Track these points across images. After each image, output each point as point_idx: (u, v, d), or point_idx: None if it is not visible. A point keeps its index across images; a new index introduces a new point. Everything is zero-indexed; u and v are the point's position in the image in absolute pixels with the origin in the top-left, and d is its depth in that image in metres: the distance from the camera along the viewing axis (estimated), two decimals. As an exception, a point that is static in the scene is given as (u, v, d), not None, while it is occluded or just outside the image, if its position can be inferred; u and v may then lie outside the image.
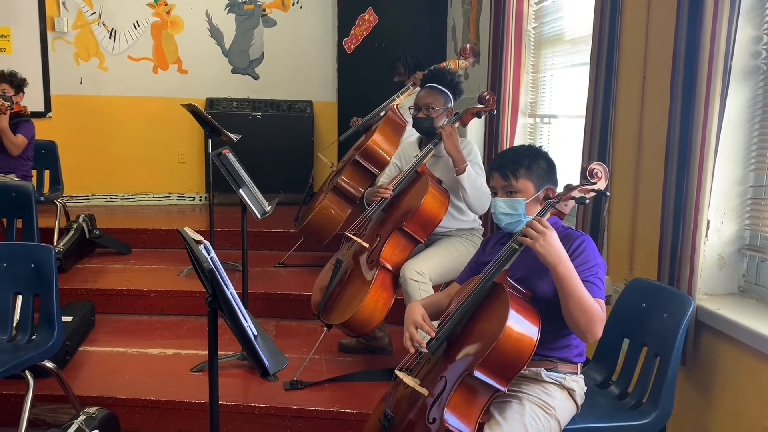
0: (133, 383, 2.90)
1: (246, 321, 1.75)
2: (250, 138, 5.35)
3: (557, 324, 1.83)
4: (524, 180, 1.94)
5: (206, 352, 3.22)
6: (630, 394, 2.10)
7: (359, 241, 2.89)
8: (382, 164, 3.97)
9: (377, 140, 3.97)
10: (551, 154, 2.04)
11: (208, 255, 1.75)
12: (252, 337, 1.60)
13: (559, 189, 1.97)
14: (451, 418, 1.72)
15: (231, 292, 1.77)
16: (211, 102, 5.69)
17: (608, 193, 1.85)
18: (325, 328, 2.91)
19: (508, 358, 1.72)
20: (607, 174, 1.84)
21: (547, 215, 1.84)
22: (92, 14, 5.58)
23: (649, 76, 2.43)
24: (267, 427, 2.72)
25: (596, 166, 1.84)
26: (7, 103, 4.00)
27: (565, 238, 1.85)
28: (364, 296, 2.71)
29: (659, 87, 2.33)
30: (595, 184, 1.84)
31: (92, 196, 5.71)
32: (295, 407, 2.70)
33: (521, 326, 1.73)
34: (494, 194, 2.00)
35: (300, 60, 5.89)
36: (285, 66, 5.88)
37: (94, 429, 2.35)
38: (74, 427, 2.33)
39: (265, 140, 5.61)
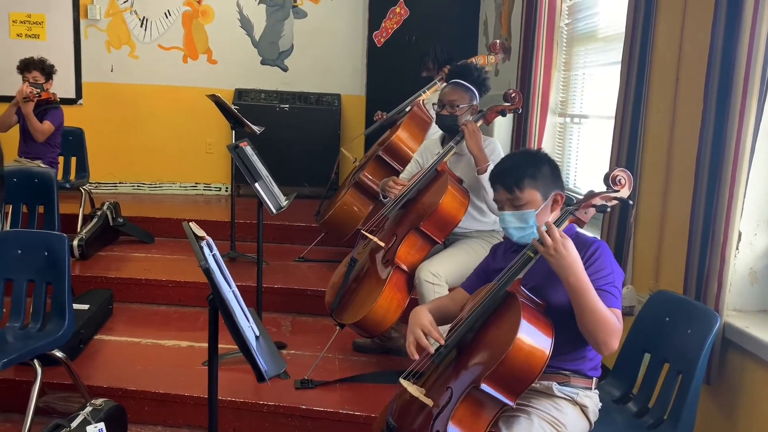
0: (145, 375, 2.89)
1: (248, 321, 1.70)
2: (277, 130, 5.34)
3: (572, 334, 1.74)
4: (530, 190, 1.84)
5: (221, 345, 3.21)
6: (649, 411, 2.00)
7: (375, 239, 2.83)
8: (405, 160, 3.89)
9: (401, 136, 3.89)
10: (579, 156, 1.94)
11: (210, 252, 1.71)
12: (248, 340, 1.54)
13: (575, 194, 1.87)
14: (455, 430, 1.64)
15: (234, 290, 1.73)
16: (239, 93, 5.68)
17: (631, 202, 1.75)
18: (337, 327, 2.85)
19: (518, 372, 1.63)
20: (632, 181, 1.74)
21: (566, 223, 1.75)
22: (124, 2, 5.60)
23: (683, 78, 2.31)
24: (276, 425, 2.68)
25: (620, 173, 1.74)
26: (36, 90, 4.03)
27: (579, 244, 1.75)
28: (378, 297, 2.65)
29: (692, 90, 2.20)
30: (618, 192, 1.74)
31: (120, 183, 5.75)
32: (304, 407, 2.65)
33: (533, 338, 1.64)
34: (501, 208, 1.90)
35: (329, 52, 5.83)
36: (314, 58, 5.83)
37: (100, 421, 2.33)
38: (80, 418, 2.32)
39: (292, 132, 5.58)
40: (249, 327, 1.64)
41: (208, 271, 1.52)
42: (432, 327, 1.83)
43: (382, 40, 5.69)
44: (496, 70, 4.54)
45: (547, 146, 3.81)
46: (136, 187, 5.78)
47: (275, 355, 1.69)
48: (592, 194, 1.77)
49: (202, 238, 1.72)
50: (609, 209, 1.75)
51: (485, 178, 2.64)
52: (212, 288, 1.58)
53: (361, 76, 5.88)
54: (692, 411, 1.85)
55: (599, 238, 2.42)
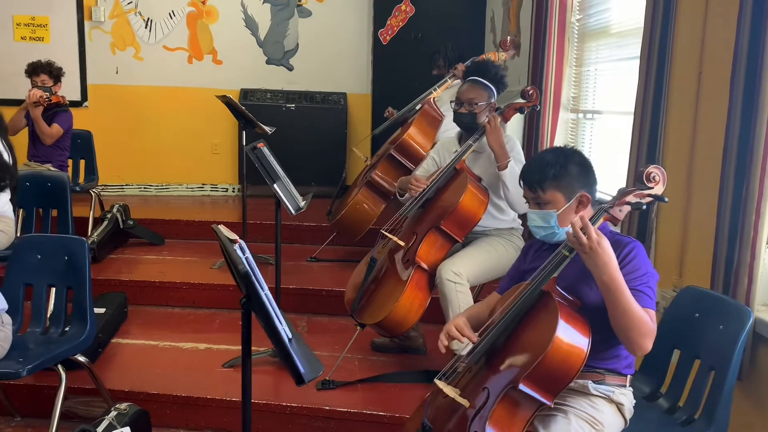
0: (165, 378, 2.88)
1: (281, 324, 1.69)
2: (284, 130, 5.30)
3: (606, 333, 1.73)
4: (552, 191, 1.84)
5: (238, 347, 3.20)
6: (681, 408, 1.99)
7: (394, 239, 2.82)
8: (417, 159, 3.88)
9: (413, 134, 3.88)
10: (592, 152, 1.93)
11: (243, 255, 1.69)
12: (287, 343, 1.53)
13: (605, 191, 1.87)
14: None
15: (266, 293, 1.71)
16: (245, 93, 5.66)
17: (666, 199, 1.74)
18: (358, 327, 2.84)
19: (556, 372, 1.63)
20: (665, 178, 1.73)
21: (600, 221, 1.74)
22: (129, 4, 5.58)
23: (706, 72, 2.30)
24: (298, 426, 2.67)
25: (654, 170, 1.72)
26: (46, 94, 4.02)
27: (614, 244, 1.74)
28: (399, 296, 2.64)
29: (717, 84, 2.20)
30: (653, 188, 1.73)
31: (126, 185, 5.73)
32: (327, 408, 2.64)
33: (571, 337, 1.64)
34: (528, 204, 1.91)
35: (334, 51, 5.81)
36: (319, 57, 5.81)
37: (125, 425, 2.32)
38: (105, 423, 2.31)
39: (299, 132, 5.56)
40: (284, 331, 1.63)
41: (247, 276, 1.50)
42: (465, 326, 1.83)
43: (387, 38, 5.67)
44: (505, 66, 4.52)
45: (560, 143, 3.80)
46: (142, 189, 5.76)
47: (312, 357, 1.68)
48: (625, 191, 1.76)
49: (235, 241, 1.70)
50: (644, 207, 1.74)
51: (506, 174, 2.64)
52: (250, 292, 1.57)
53: (366, 75, 5.86)
54: (727, 407, 1.85)
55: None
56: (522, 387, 1.63)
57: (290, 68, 5.85)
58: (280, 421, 2.67)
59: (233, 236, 1.73)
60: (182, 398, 2.72)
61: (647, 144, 2.60)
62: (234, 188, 5.88)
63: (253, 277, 1.51)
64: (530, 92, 2.79)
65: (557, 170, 1.82)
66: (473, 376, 1.79)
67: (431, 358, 3.12)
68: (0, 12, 5.39)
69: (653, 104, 2.57)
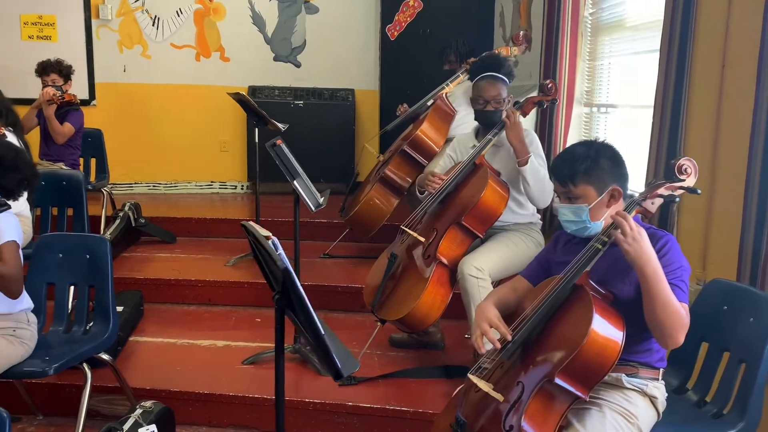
0: (185, 375, 2.88)
1: (316, 320, 1.69)
2: (292, 127, 5.24)
3: (639, 327, 1.73)
4: (583, 185, 1.83)
5: (256, 344, 3.23)
6: (710, 401, 1.99)
7: (414, 234, 2.81)
8: (430, 154, 3.88)
9: (425, 130, 3.87)
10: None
11: (277, 252, 1.69)
12: (326, 339, 1.53)
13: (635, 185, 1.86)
14: (529, 427, 1.64)
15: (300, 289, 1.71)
16: (253, 90, 5.64)
17: (699, 191, 1.74)
18: (378, 323, 2.85)
19: (592, 365, 1.63)
20: (697, 170, 1.73)
21: (632, 214, 1.74)
22: (136, 2, 5.56)
23: (730, 64, 2.29)
24: (321, 422, 2.67)
25: (685, 162, 1.72)
26: (58, 93, 4.01)
27: (649, 237, 1.74)
28: (421, 292, 2.64)
29: (743, 76, 2.19)
30: (684, 180, 1.73)
31: (135, 184, 5.72)
32: (350, 404, 2.64)
33: (606, 331, 1.64)
34: (558, 198, 1.90)
35: (342, 47, 5.80)
36: (327, 54, 5.80)
37: (151, 423, 2.32)
38: (131, 420, 2.32)
39: (307, 129, 5.54)
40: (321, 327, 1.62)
41: (286, 271, 1.50)
42: (499, 321, 1.82)
43: (395, 33, 5.66)
44: (516, 61, 4.52)
45: (573, 137, 3.81)
46: (152, 187, 5.75)
47: (346, 353, 1.67)
48: (657, 184, 1.76)
49: (268, 238, 1.70)
50: (678, 199, 1.73)
51: (526, 170, 2.64)
52: (287, 287, 1.56)
53: (374, 71, 5.85)
54: (759, 401, 1.85)
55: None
56: (557, 381, 1.63)
57: (298, 65, 5.84)
58: (303, 418, 2.67)
59: (266, 233, 1.73)
60: (204, 395, 2.72)
61: (668, 137, 2.60)
62: (243, 185, 5.87)
63: (293, 274, 1.51)
64: (549, 86, 2.79)
65: (588, 164, 1.81)
66: (506, 370, 1.79)
67: (450, 354, 3.12)
68: (7, 11, 5.38)
69: (674, 97, 2.56)
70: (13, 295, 2.20)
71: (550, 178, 1.91)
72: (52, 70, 4.24)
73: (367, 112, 5.85)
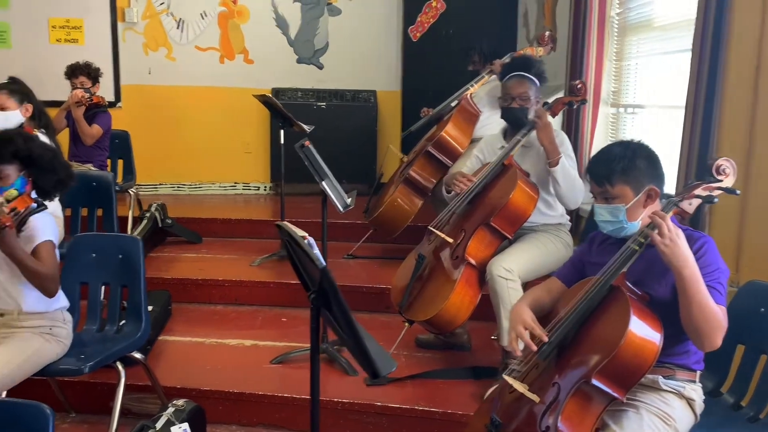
0: (214, 374, 2.90)
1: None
2: (314, 128, 5.31)
3: (675, 328, 1.72)
4: (620, 185, 1.82)
5: (283, 343, 3.24)
6: (746, 405, 1.97)
7: (442, 235, 2.81)
8: (454, 155, 3.89)
9: (450, 131, 3.88)
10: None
11: (313, 251, 1.70)
12: (364, 338, 1.54)
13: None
14: (565, 427, 1.63)
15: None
16: (276, 92, 5.67)
17: (738, 192, 1.72)
18: (406, 324, 2.85)
19: (629, 366, 1.62)
20: (736, 170, 1.71)
21: (669, 215, 1.72)
22: (161, 4, 5.62)
23: (765, 65, 2.27)
24: (349, 422, 2.68)
25: (724, 162, 1.71)
26: (87, 95, 4.07)
27: (686, 238, 1.73)
28: (449, 293, 2.64)
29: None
30: (722, 181, 1.72)
31: (160, 185, 5.78)
32: (379, 404, 2.65)
33: (643, 332, 1.63)
34: (594, 199, 1.90)
35: (364, 49, 5.82)
36: (349, 55, 5.82)
37: (183, 422, 2.34)
38: (163, 419, 2.34)
39: (329, 130, 5.54)
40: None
41: (325, 272, 1.51)
42: (534, 324, 1.82)
43: (417, 34, 5.67)
44: (543, 62, 4.50)
45: (600, 137, 3.79)
46: (176, 189, 5.81)
47: (382, 352, 1.68)
48: (694, 185, 1.75)
49: (304, 238, 1.71)
50: (716, 200, 1.72)
51: (557, 171, 2.63)
52: (324, 286, 1.58)
53: (396, 72, 5.86)
54: (798, 403, 1.83)
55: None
56: (594, 382, 1.63)
57: (320, 67, 5.86)
58: (331, 417, 2.68)
59: (303, 233, 1.75)
60: (234, 394, 2.74)
61: (699, 137, 2.57)
62: (265, 186, 5.91)
63: (331, 273, 1.52)
64: (579, 86, 2.78)
65: (625, 164, 1.80)
66: (541, 371, 1.79)
67: (476, 355, 3.12)
68: (36, 15, 5.46)
69: (706, 97, 2.54)
70: (50, 293, 2.23)
71: (586, 178, 1.90)
72: (80, 72, 4.31)
73: (389, 113, 5.86)
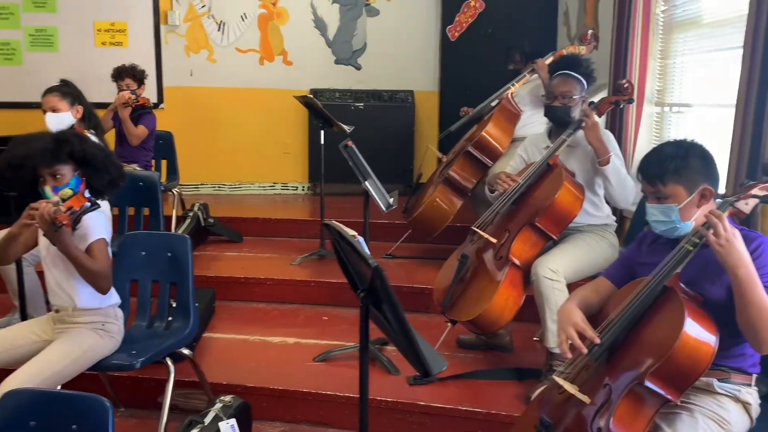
0: (259, 371, 2.94)
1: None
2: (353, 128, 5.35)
3: (731, 330, 1.69)
4: (673, 185, 1.80)
5: (325, 341, 3.27)
6: (803, 409, 1.92)
7: (485, 235, 2.80)
8: (495, 155, 3.87)
9: (490, 130, 3.86)
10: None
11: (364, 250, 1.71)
12: (415, 336, 1.55)
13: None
14: (617, 429, 1.62)
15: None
16: (314, 93, 5.71)
17: (798, 192, 1.68)
18: (449, 324, 2.85)
19: (683, 368, 1.60)
20: (795, 170, 1.67)
21: (725, 214, 1.69)
22: (202, 7, 5.72)
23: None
24: (392, 421, 2.69)
25: (781, 161, 1.67)
26: (133, 97, 4.16)
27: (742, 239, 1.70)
28: (493, 294, 2.63)
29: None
30: (781, 181, 1.68)
31: (201, 185, 5.88)
32: (422, 403, 2.65)
33: (698, 334, 1.61)
34: (645, 198, 1.87)
35: (402, 49, 5.83)
36: (387, 55, 5.84)
37: (231, 417, 2.38)
38: (211, 414, 2.38)
39: (367, 130, 5.54)
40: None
41: (378, 270, 1.52)
42: (585, 325, 1.80)
43: (456, 34, 5.65)
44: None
45: (644, 137, 3.73)
46: (216, 188, 5.90)
47: (431, 351, 1.68)
48: (750, 184, 1.72)
49: (354, 236, 1.73)
50: (775, 200, 1.69)
51: (608, 170, 2.60)
52: (375, 285, 1.59)
53: (434, 72, 5.86)
54: None
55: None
56: (648, 383, 1.61)
57: (358, 67, 5.89)
58: (374, 416, 2.64)
59: (352, 232, 1.76)
60: (279, 391, 2.78)
61: (751, 136, 2.52)
62: (303, 187, 5.96)
63: (383, 272, 1.53)
64: (626, 86, 2.75)
65: (678, 163, 1.78)
66: (592, 372, 1.77)
67: (518, 356, 3.10)
68: (82, 19, 5.60)
69: (758, 96, 2.49)
70: (103, 290, 2.29)
71: (638, 178, 1.88)
72: (126, 74, 4.40)
73: (426, 113, 5.86)
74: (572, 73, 2.79)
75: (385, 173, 5.41)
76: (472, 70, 5.48)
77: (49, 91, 3.45)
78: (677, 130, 3.56)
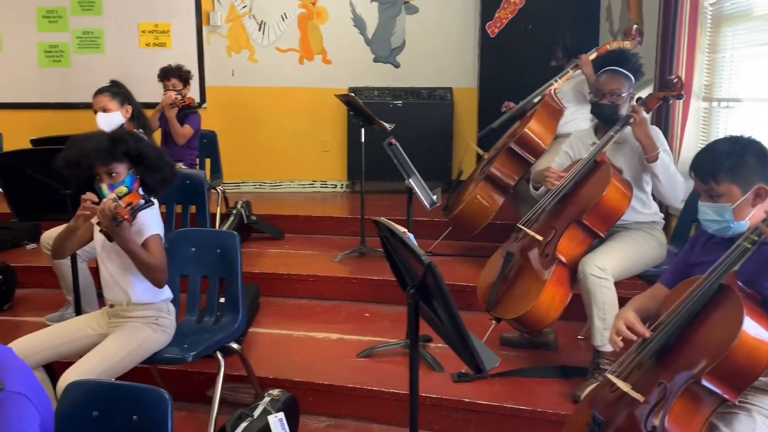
0: (304, 366, 2.98)
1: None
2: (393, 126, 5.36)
3: (789, 331, 1.65)
4: (727, 183, 1.76)
5: (368, 337, 3.30)
6: None
7: (531, 233, 2.79)
8: (537, 152, 3.84)
9: (533, 127, 3.83)
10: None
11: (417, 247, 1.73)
12: (467, 332, 1.56)
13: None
14: (673, 428, 1.60)
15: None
16: (353, 91, 5.73)
17: None
18: (494, 322, 2.85)
19: (742, 368, 1.57)
20: None
21: (786, 212, 1.66)
22: (243, 8, 5.80)
23: None
24: (437, 417, 2.70)
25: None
26: (179, 97, 4.25)
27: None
28: (540, 292, 2.61)
29: None
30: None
31: (242, 183, 5.96)
32: (467, 400, 2.66)
33: (757, 332, 1.58)
34: (698, 196, 1.84)
35: (441, 46, 5.82)
36: (425, 53, 5.84)
37: (279, 411, 2.43)
38: (260, 408, 2.43)
39: (405, 128, 5.53)
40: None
41: (430, 266, 1.54)
42: (636, 321, 1.79)
43: (495, 30, 5.62)
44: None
45: (691, 132, 3.66)
46: (257, 186, 5.98)
47: (483, 347, 1.69)
48: (811, 181, 1.68)
49: (404, 233, 1.74)
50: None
51: (657, 166, 2.57)
52: (431, 282, 1.60)
53: (473, 69, 5.84)
54: None
55: None
56: (704, 382, 1.59)
57: (397, 65, 5.91)
58: (420, 412, 2.66)
59: (403, 229, 1.78)
60: (325, 386, 2.81)
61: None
62: (342, 184, 6.00)
63: (436, 268, 1.54)
64: (675, 81, 2.71)
65: (733, 161, 1.75)
66: (645, 371, 1.76)
67: (563, 354, 3.08)
68: (127, 21, 5.74)
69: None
70: (160, 284, 2.35)
71: (690, 175, 1.85)
72: (172, 74, 4.49)
73: (465, 110, 5.84)
74: (620, 69, 2.76)
75: (424, 171, 5.42)
76: (512, 66, 5.45)
77: (100, 91, 3.54)
78: (726, 126, 3.49)
